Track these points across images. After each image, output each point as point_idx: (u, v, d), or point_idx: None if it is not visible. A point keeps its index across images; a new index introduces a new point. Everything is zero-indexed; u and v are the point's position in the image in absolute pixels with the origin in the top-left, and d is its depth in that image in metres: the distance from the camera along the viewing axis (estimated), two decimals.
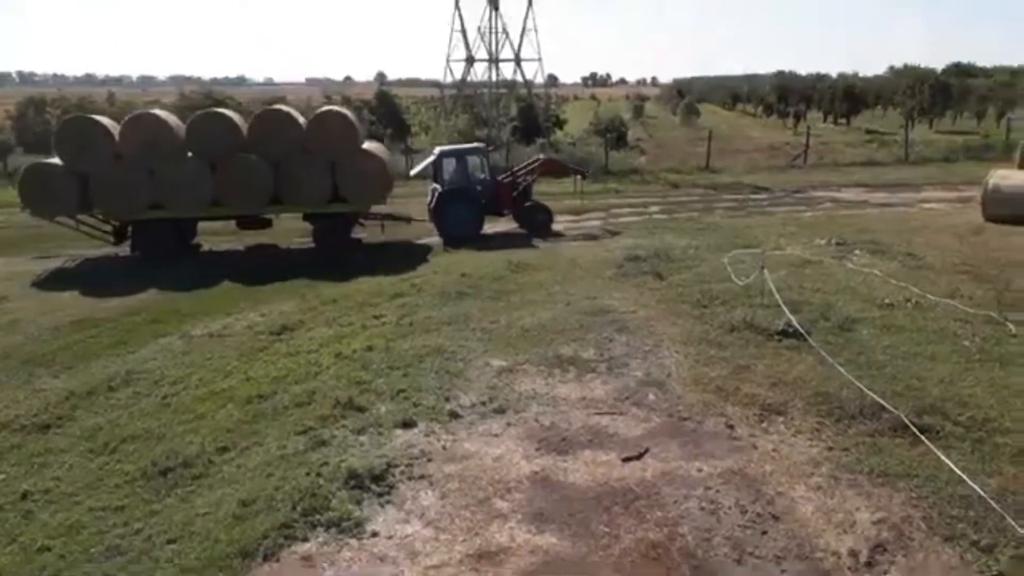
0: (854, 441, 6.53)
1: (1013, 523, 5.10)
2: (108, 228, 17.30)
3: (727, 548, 5.13)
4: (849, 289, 10.96)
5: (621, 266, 13.29)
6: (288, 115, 17.50)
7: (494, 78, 45.93)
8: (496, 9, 46.24)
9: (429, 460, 6.43)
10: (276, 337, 10.17)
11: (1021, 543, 4.94)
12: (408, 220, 18.58)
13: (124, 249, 17.17)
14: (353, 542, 5.37)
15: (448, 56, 51.60)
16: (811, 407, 7.20)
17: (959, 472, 5.75)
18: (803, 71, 79.29)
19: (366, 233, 18.43)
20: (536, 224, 18.27)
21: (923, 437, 6.35)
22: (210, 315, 11.65)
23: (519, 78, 48.25)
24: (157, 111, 17.16)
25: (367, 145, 18.43)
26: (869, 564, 4.92)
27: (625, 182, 24.14)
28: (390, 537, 5.40)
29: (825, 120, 45.36)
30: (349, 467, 6.18)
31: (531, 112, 30.99)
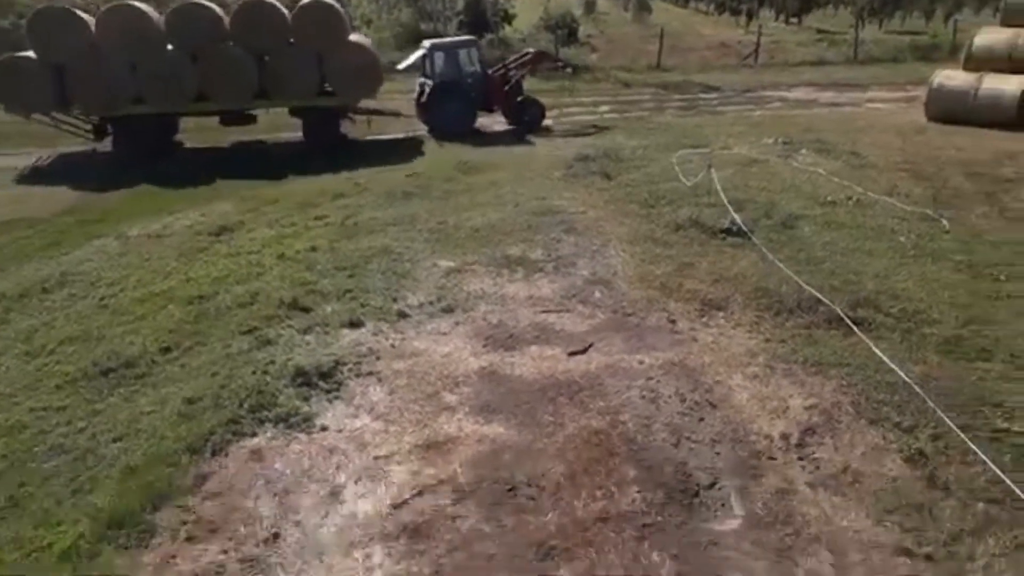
0: (791, 333, 6.76)
1: (933, 406, 5.41)
2: (87, 125, 16.56)
3: (665, 433, 5.33)
4: (793, 187, 11.10)
5: (571, 167, 13.18)
6: (272, 5, 16.59)
7: None
8: None
9: (377, 358, 6.46)
10: (215, 238, 9.94)
11: (939, 424, 5.25)
12: (397, 115, 18.22)
13: (105, 146, 16.43)
14: (302, 436, 5.42)
15: None
16: (751, 302, 7.39)
17: (887, 360, 6.03)
18: None
19: (352, 129, 17.91)
20: (527, 119, 18.02)
21: (856, 328, 6.62)
22: (147, 216, 11.29)
23: None
24: (133, 1, 16.13)
25: (353, 37, 17.76)
26: (799, 445, 5.18)
27: (576, 80, 23.68)
28: (339, 431, 5.47)
29: (777, 19, 44.79)
30: (296, 365, 6.18)
31: (479, 6, 29.77)
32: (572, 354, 6.50)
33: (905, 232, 9.25)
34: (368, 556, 4.30)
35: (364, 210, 10.82)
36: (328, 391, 5.96)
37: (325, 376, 6.10)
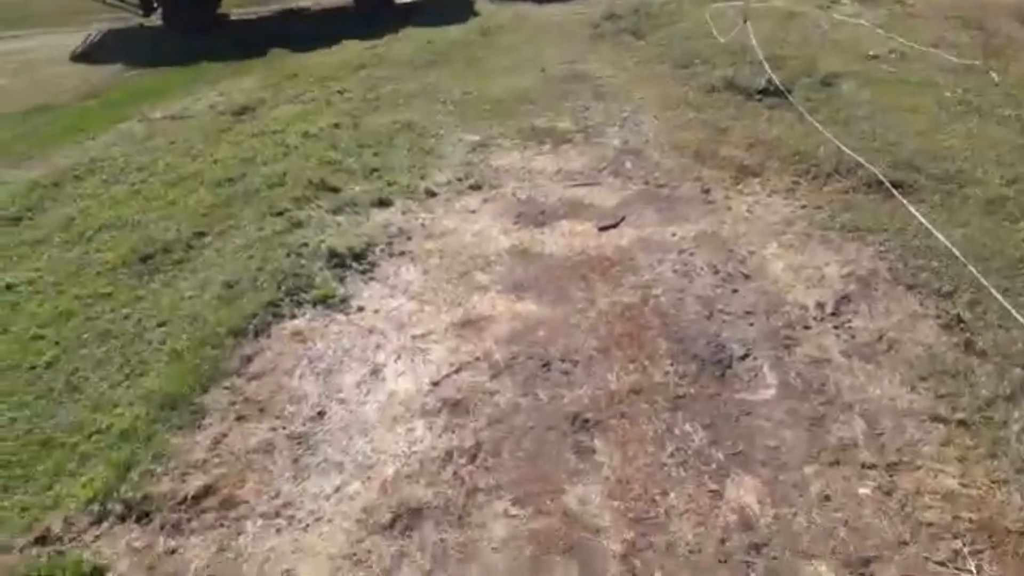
0: (828, 198, 6.60)
1: (973, 270, 5.32)
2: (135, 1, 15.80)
3: (698, 306, 5.34)
4: (833, 41, 10.51)
5: (598, 26, 12.59)
6: None
7: None
8: None
9: (408, 238, 6.47)
10: (238, 117, 9.76)
11: (979, 288, 5.18)
12: None
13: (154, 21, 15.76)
14: (341, 317, 5.53)
15: None
16: (787, 166, 7.19)
17: (927, 223, 5.90)
18: None
19: None
20: None
21: (895, 191, 6.43)
22: (167, 95, 11.11)
23: None
24: None
25: None
26: (834, 314, 5.17)
27: None
28: (376, 311, 5.57)
29: None
30: (329, 246, 6.21)
31: None
32: (603, 229, 6.44)
33: (951, 86, 8.80)
34: (411, 431, 4.47)
35: (386, 83, 10.52)
36: (363, 272, 6.02)
37: (358, 257, 6.15)
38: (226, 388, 4.90)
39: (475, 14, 14.71)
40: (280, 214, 6.94)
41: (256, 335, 5.37)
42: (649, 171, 7.42)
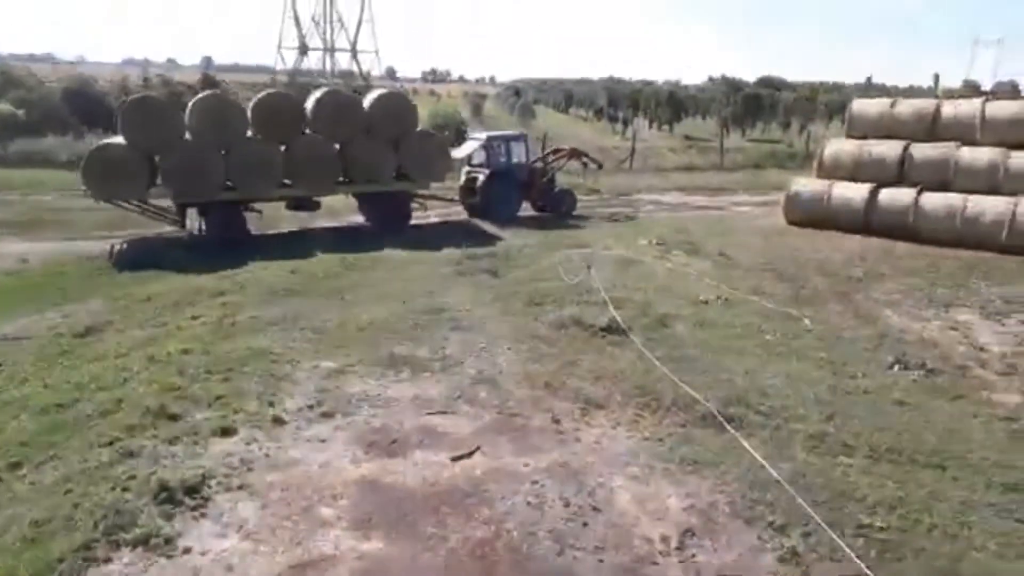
0: (668, 431, 6.94)
1: (803, 503, 5.63)
2: (173, 212, 16.92)
3: (550, 541, 5.28)
4: (667, 287, 11.65)
5: (459, 263, 13.39)
6: (350, 97, 19.11)
7: (328, 68, 44.65)
8: None
9: (250, 469, 6.12)
10: (80, 340, 9.33)
11: (809, 520, 5.45)
12: (451, 200, 20.02)
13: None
14: (163, 560, 5.01)
15: (280, 43, 49.62)
16: (630, 400, 7.57)
17: (759, 458, 6.27)
18: (632, 77, 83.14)
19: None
20: (565, 208, 20.17)
21: (728, 426, 6.87)
22: (5, 314, 10.51)
23: (355, 69, 47.22)
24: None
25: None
26: (679, 548, 5.24)
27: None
28: (204, 553, 5.09)
29: (650, 126, 47.86)
30: (160, 479, 5.75)
31: None
32: (457, 459, 6.40)
33: (771, 330, 9.82)
34: None
35: (244, 309, 10.48)
36: (194, 507, 5.56)
37: (191, 491, 5.70)
38: None
39: (480, 240, 16.06)
40: (110, 444, 6.43)
41: None
42: (503, 401, 7.59)
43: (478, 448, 6.62)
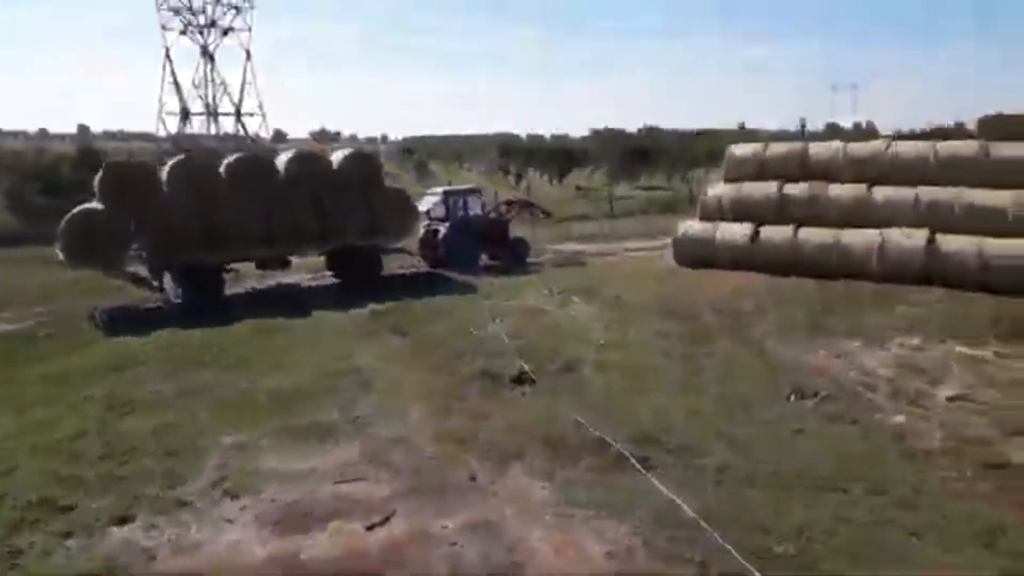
0: (583, 476, 7.02)
1: (718, 538, 5.77)
2: (154, 279, 16.41)
3: None
4: (570, 333, 11.89)
5: (366, 324, 13.24)
6: (319, 156, 19.35)
7: (212, 132, 43.82)
8: (212, 61, 44.37)
9: (151, 558, 5.79)
10: None
11: (726, 552, 5.59)
12: (411, 254, 19.94)
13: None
14: None
15: (161, 109, 48.39)
16: (543, 448, 7.63)
17: (673, 496, 6.42)
18: (521, 132, 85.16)
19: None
20: (520, 255, 20.36)
21: (640, 468, 7.02)
22: None
23: (241, 132, 46.51)
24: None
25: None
26: None
27: None
28: None
29: (542, 178, 49.14)
30: None
31: None
32: (371, 527, 6.25)
33: (670, 369, 10.14)
34: None
35: (145, 384, 10.00)
36: None
37: None
38: None
39: (436, 291, 15.94)
40: None
41: None
42: (416, 461, 7.49)
43: (394, 513, 6.50)
